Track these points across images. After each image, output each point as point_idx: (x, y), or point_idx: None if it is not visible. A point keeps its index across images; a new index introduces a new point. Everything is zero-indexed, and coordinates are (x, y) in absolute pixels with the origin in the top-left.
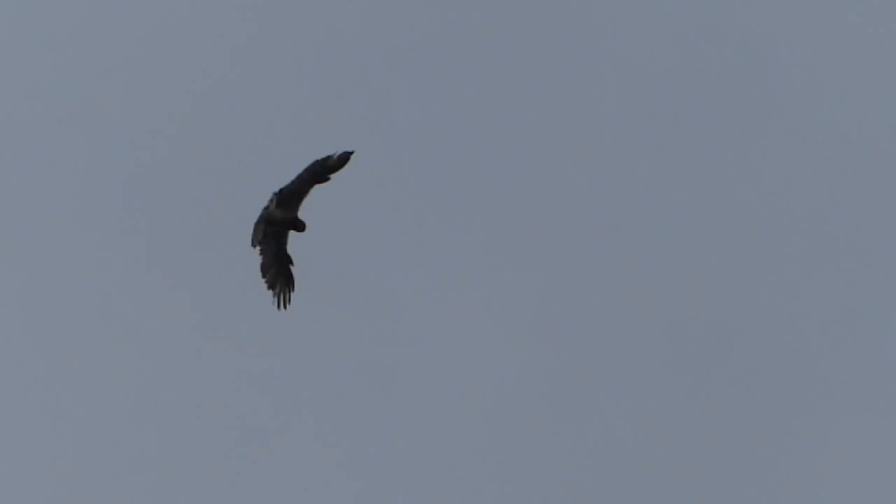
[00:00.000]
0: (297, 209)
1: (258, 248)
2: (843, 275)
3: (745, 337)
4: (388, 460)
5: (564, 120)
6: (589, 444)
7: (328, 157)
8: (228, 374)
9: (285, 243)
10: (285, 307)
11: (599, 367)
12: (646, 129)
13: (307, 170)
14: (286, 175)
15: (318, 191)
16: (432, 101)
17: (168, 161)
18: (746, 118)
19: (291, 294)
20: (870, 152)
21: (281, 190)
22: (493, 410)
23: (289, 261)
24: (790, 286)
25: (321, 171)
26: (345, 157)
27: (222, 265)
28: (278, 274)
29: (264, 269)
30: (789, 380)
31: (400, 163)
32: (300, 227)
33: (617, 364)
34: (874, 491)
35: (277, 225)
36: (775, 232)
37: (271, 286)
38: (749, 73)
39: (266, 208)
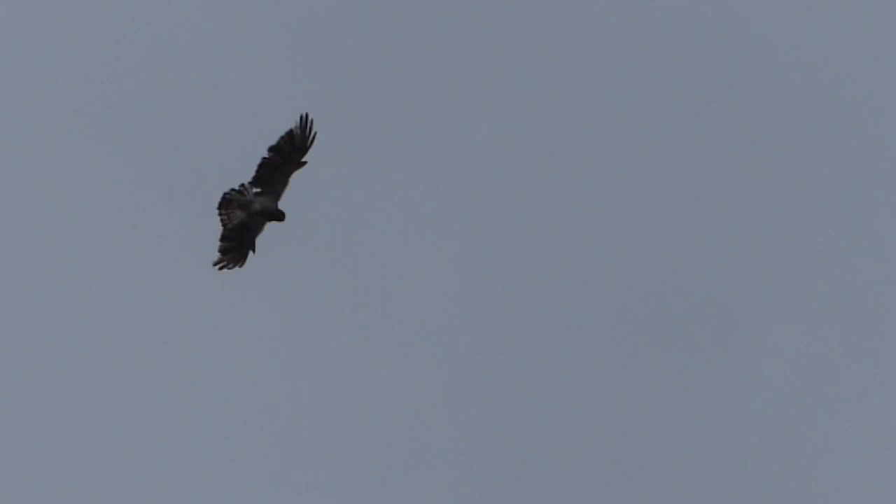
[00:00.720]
0: (278, 200)
1: (225, 227)
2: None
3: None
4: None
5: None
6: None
7: (290, 133)
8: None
9: (258, 232)
10: (219, 269)
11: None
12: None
13: (273, 149)
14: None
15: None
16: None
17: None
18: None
19: (233, 268)
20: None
21: (253, 180)
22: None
23: (252, 248)
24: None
25: (290, 150)
26: (305, 123)
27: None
28: (234, 253)
29: (223, 249)
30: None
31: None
32: (281, 216)
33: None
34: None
35: (260, 216)
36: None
37: (221, 254)
38: (745, 73)
39: (238, 192)
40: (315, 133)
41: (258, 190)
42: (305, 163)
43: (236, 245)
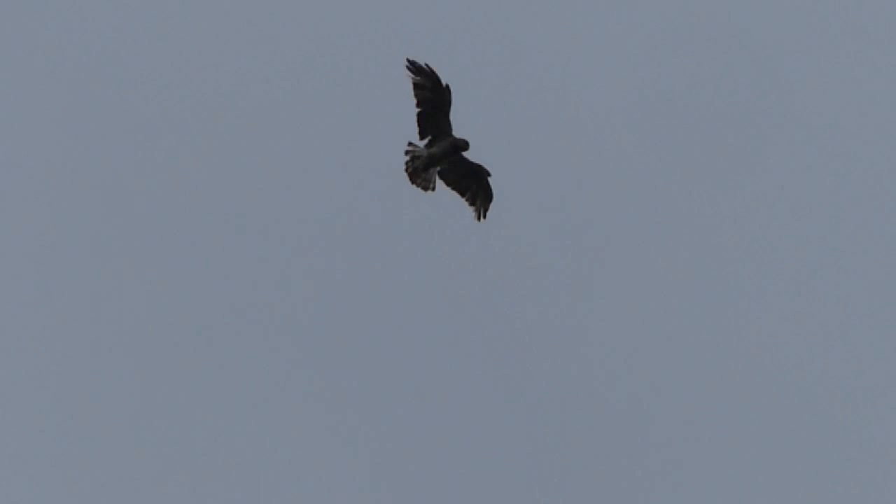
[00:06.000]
0: (450, 132)
1: (435, 185)
2: None
3: None
4: None
5: None
6: None
7: (415, 84)
8: None
9: (468, 162)
10: (484, 217)
11: None
12: None
13: (421, 104)
14: None
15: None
16: None
17: None
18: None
19: (489, 205)
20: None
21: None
22: None
23: (486, 174)
24: None
25: (431, 90)
26: (413, 65)
27: None
28: (478, 189)
29: (462, 192)
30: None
31: None
32: (463, 146)
33: None
34: None
35: (443, 159)
36: None
37: (472, 202)
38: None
39: (414, 160)
40: (427, 64)
41: (427, 141)
42: (448, 86)
43: (472, 183)
